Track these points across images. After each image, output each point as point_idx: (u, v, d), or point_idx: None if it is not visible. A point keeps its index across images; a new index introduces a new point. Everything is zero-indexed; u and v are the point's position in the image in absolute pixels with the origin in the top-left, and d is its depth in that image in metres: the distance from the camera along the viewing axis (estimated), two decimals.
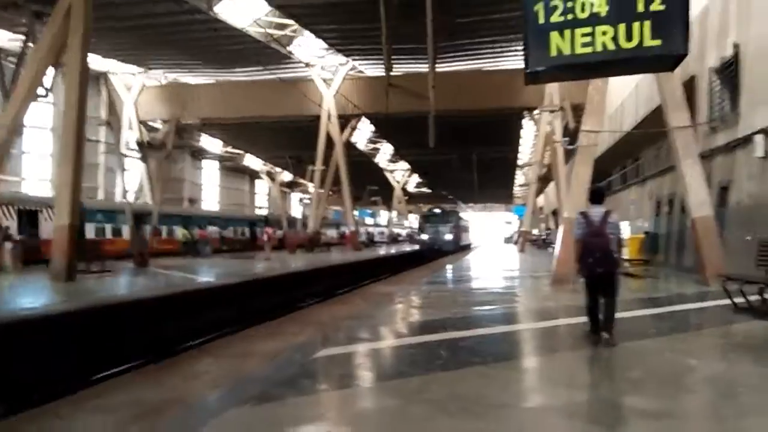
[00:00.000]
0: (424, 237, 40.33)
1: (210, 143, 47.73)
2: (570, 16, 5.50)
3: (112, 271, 16.46)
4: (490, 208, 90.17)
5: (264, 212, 54.78)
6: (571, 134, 23.50)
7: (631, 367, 5.23)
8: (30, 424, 4.21)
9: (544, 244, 41.62)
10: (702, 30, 15.88)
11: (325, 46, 30.14)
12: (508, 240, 66.66)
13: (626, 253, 17.56)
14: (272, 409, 3.98)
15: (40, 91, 15.12)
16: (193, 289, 12.05)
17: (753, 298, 7.96)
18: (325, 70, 34.17)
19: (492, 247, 48.21)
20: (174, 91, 37.14)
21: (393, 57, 28.22)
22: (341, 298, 11.48)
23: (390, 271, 22.61)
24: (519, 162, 51.25)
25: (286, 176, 55.50)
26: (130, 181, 35.13)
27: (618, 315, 6.42)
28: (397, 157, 54.39)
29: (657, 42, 5.30)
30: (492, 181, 58.04)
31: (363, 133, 44.49)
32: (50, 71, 15.45)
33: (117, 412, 4.13)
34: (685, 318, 8.14)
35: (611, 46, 5.36)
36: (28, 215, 21.81)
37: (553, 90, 28.03)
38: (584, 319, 6.38)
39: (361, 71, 34.59)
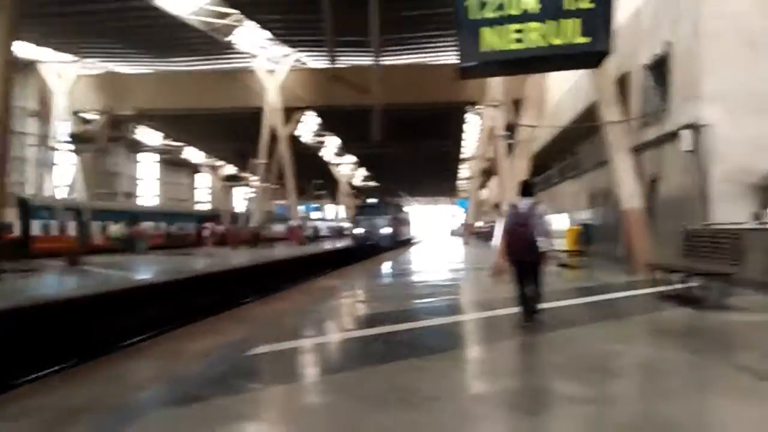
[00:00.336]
0: (358, 231, 35.40)
1: (149, 135, 46.10)
2: (501, 13, 5.56)
3: (42, 269, 15.65)
4: (436, 201, 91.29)
5: (207, 207, 53.47)
6: (512, 129, 24.00)
7: (561, 355, 5.37)
8: None
9: (487, 236, 42.38)
10: (635, 28, 16.50)
11: (269, 36, 29.60)
12: (454, 233, 67.60)
13: (563, 245, 18.12)
14: (198, 409, 3.85)
15: None
16: (126, 288, 11.60)
17: (678, 286, 8.37)
18: (268, 62, 33.56)
19: (437, 241, 48.24)
20: (109, 81, 35.68)
21: (338, 49, 28.05)
22: (282, 294, 11.33)
23: (326, 267, 22.03)
24: (464, 156, 52.02)
25: (230, 170, 54.35)
26: (63, 176, 33.50)
27: (553, 304, 6.71)
28: (343, 150, 54.19)
29: (585, 39, 5.45)
30: (438, 175, 58.81)
31: (308, 126, 44.00)
32: None
33: (31, 418, 3.90)
34: (614, 306, 8.44)
35: (542, 43, 5.46)
36: None
37: (495, 84, 28.52)
38: (518, 308, 6.57)
39: (305, 63, 34.19)
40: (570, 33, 5.42)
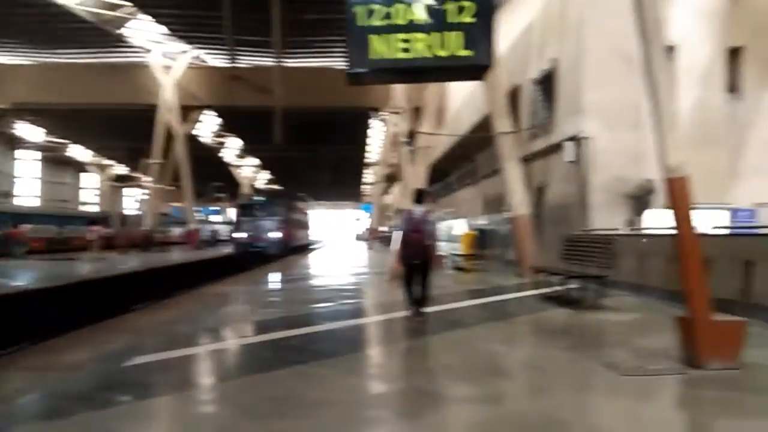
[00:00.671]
0: (239, 236, 29.06)
1: (29, 131, 42.35)
2: (389, 22, 5.68)
3: None
4: (341, 205, 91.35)
5: (94, 208, 49.96)
6: (413, 136, 24.54)
7: (448, 355, 5.54)
8: None
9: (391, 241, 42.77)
10: (526, 44, 17.45)
11: (165, 31, 28.24)
12: (359, 237, 67.93)
13: (460, 249, 18.74)
14: (59, 427, 3.52)
15: None
16: None
17: (559, 288, 8.90)
18: (164, 57, 31.98)
19: (341, 245, 48.05)
20: None
21: (238, 48, 27.36)
22: (170, 302, 10.77)
23: (216, 273, 19.00)
24: (368, 160, 52.48)
25: (120, 170, 51.17)
26: None
27: (446, 306, 7.55)
28: (245, 152, 52.79)
29: (468, 53, 5.68)
30: (343, 179, 58.89)
31: (208, 126, 42.43)
32: None
33: None
34: (502, 308, 8.83)
35: (427, 54, 5.63)
36: None
37: (398, 92, 29.06)
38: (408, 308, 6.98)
39: (204, 61, 32.97)
40: (454, 45, 5.62)
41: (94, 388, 4.47)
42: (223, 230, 49.44)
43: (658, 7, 5.10)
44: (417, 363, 5.51)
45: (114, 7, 25.57)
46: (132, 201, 53.84)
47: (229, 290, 11.89)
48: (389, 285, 12.01)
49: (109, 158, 49.32)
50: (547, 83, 15.89)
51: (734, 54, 14.35)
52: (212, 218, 55.02)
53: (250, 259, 24.55)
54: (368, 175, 59.35)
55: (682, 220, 4.79)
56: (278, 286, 12.98)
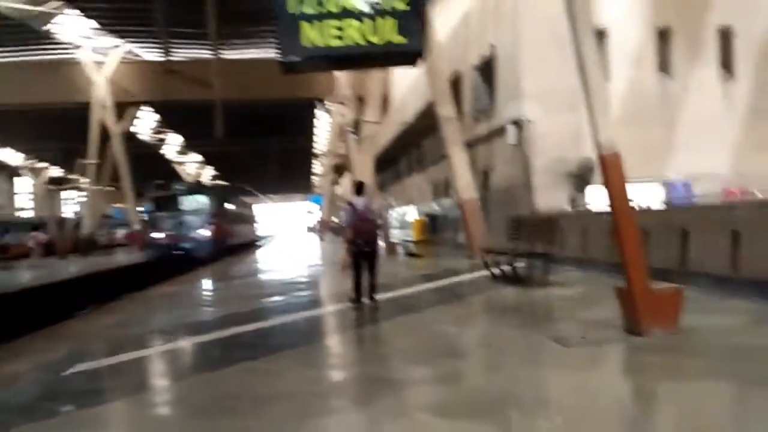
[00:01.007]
0: (158, 236, 23.30)
1: None
2: (320, 9, 5.59)
3: None
4: (293, 198, 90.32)
5: (29, 214, 47.55)
6: (358, 125, 24.46)
7: (402, 340, 5.58)
8: None
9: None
10: (466, 31, 17.63)
11: (94, 26, 27.01)
12: (311, 229, 67.35)
13: (410, 235, 18.87)
14: None
15: None
16: None
17: (507, 268, 9.08)
18: (95, 53, 30.58)
19: (293, 238, 47.43)
20: None
21: (173, 41, 26.45)
22: (114, 305, 10.40)
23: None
24: (316, 152, 52.01)
25: (54, 172, 48.83)
26: None
27: (399, 292, 7.79)
28: (187, 148, 51.35)
29: (402, 39, 5.66)
30: (291, 171, 58.11)
31: (146, 123, 40.98)
32: None
33: None
34: (453, 290, 8.93)
35: (361, 41, 5.58)
36: None
37: (342, 81, 28.85)
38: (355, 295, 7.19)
39: (138, 55, 31.75)
40: (387, 32, 5.60)
41: (34, 398, 4.27)
42: None
43: None
44: (371, 350, 5.52)
45: (39, 2, 24.23)
46: (70, 204, 51.54)
47: (176, 290, 11.58)
48: (341, 275, 12.05)
49: (43, 160, 46.98)
50: (487, 69, 16.13)
51: (663, 35, 14.94)
52: None
53: (172, 265, 18.96)
54: (318, 167, 58.91)
55: (616, 194, 4.95)
56: (228, 283, 12.73)
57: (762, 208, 8.05)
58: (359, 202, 7.23)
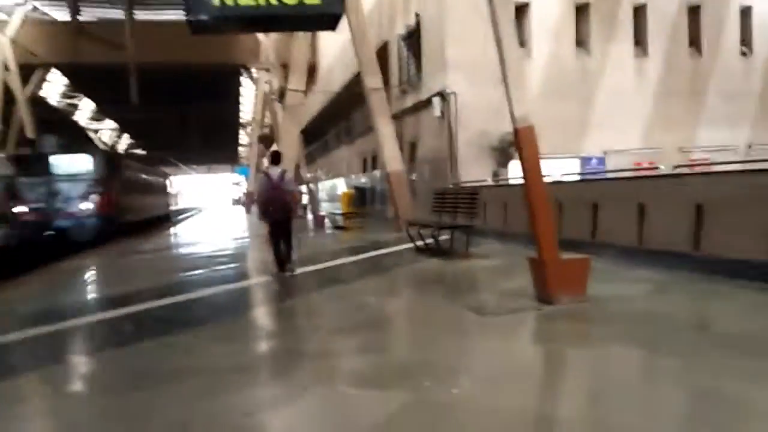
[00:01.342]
0: (22, 210, 17.08)
1: None
2: None
3: None
4: (216, 169, 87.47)
5: None
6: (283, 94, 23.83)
7: (323, 312, 5.57)
8: None
9: None
10: None
11: None
12: (236, 202, 65.54)
13: (339, 208, 18.79)
14: None
15: None
16: None
17: (430, 240, 9.23)
18: None
19: (218, 211, 45.69)
20: None
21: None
22: (22, 280, 9.71)
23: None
24: (242, 121, 50.42)
25: None
26: None
27: (326, 264, 8.11)
28: (101, 114, 48.43)
29: (317, 1, 5.49)
30: (215, 141, 56.13)
31: (55, 87, 38.19)
32: None
33: None
34: (377, 262, 8.98)
35: (273, 2, 5.36)
36: None
37: (266, 46, 27.94)
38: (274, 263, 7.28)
39: (45, 14, 29.35)
40: None
41: None
42: None
43: None
44: (291, 323, 5.46)
45: None
46: None
47: (88, 263, 11.00)
48: (266, 248, 11.85)
49: None
50: (413, 39, 16.07)
51: (581, 10, 15.38)
52: None
53: (40, 250, 13.77)
54: (244, 137, 57.20)
55: (530, 167, 5.09)
56: (145, 256, 12.21)
57: (665, 181, 8.57)
58: (274, 172, 7.26)
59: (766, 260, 5.36)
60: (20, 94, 29.40)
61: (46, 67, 31.08)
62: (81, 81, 35.87)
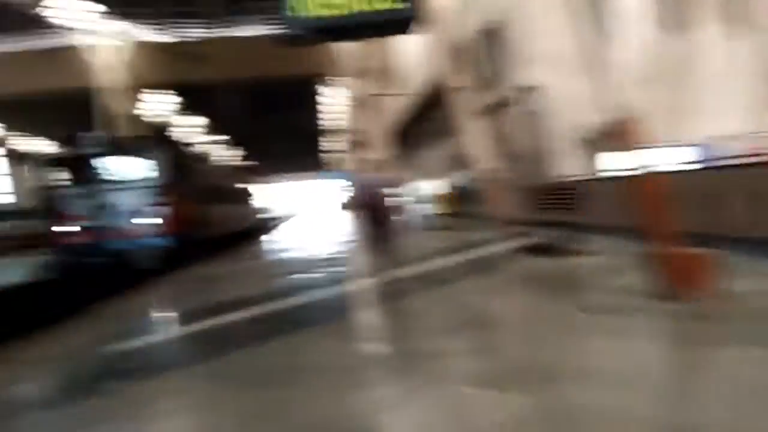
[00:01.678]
0: (67, 230, 12.68)
1: None
2: None
3: None
4: (301, 176, 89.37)
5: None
6: (366, 99, 24.15)
7: (426, 313, 5.72)
8: None
9: None
10: None
11: (101, 8, 27.03)
12: (344, 206, 65.04)
13: (436, 208, 18.73)
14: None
15: None
16: None
17: (534, 238, 9.05)
18: (98, 36, 30.46)
19: (320, 218, 38.66)
20: None
21: (173, 21, 26.15)
22: (148, 288, 10.47)
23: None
24: (323, 129, 51.44)
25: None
26: None
27: (425, 266, 8.07)
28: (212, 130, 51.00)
29: (393, 5, 5.47)
30: (297, 150, 57.39)
31: (164, 106, 40.74)
32: None
33: None
34: (481, 262, 8.90)
35: (350, 9, 5.38)
36: None
37: (346, 53, 28.43)
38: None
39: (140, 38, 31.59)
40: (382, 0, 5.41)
41: (95, 375, 4.50)
42: None
43: None
44: (399, 323, 5.58)
45: None
46: None
47: (216, 272, 11.56)
48: (368, 250, 12.12)
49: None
50: (496, 35, 15.82)
51: None
52: None
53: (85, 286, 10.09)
54: (326, 144, 58.18)
55: (632, 158, 4.91)
56: (265, 259, 12.76)
57: None
58: (368, 177, 7.53)
59: None
60: (120, 113, 31.62)
61: (154, 88, 33.38)
62: (189, 100, 38.06)
